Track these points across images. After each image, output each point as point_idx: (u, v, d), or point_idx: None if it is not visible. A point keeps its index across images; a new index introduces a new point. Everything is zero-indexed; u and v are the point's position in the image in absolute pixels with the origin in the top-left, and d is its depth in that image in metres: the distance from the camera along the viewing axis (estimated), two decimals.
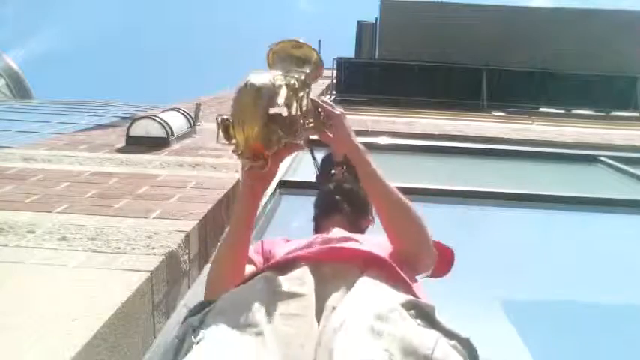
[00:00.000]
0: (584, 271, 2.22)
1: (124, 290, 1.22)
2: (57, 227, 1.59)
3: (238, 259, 1.03)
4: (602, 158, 3.78)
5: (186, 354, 0.77)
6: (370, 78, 9.39)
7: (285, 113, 0.92)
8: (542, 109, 8.75)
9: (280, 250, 1.11)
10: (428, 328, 0.78)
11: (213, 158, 2.65)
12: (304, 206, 1.68)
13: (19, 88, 15.57)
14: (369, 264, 0.93)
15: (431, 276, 1.19)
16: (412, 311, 0.80)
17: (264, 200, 2.49)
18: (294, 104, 0.94)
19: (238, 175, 2.31)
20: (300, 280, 0.88)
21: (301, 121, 0.97)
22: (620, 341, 1.72)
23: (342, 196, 1.32)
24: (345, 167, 1.38)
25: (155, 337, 1.36)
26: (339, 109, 1.08)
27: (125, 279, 1.28)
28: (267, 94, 0.86)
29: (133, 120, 3.05)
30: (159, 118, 3.00)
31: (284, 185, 2.60)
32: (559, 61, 9.19)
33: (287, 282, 0.88)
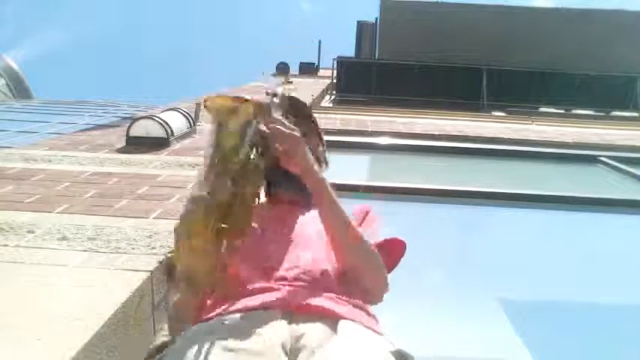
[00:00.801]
0: (584, 271, 2.22)
1: (124, 290, 1.22)
2: (57, 227, 1.59)
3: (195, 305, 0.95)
4: (602, 158, 3.78)
5: None
6: (370, 78, 9.39)
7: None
8: (542, 109, 8.73)
9: (254, 250, 1.04)
10: None
11: None
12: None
13: (19, 88, 15.56)
14: (342, 316, 0.89)
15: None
16: None
17: None
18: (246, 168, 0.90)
19: None
20: (266, 331, 0.82)
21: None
22: (620, 341, 1.72)
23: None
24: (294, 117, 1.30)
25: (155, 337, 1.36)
26: (295, 132, 0.98)
27: (125, 279, 1.28)
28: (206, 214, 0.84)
29: (133, 120, 3.05)
30: (159, 118, 3.00)
31: None
32: (559, 61, 9.19)
33: (252, 330, 0.82)
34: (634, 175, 3.36)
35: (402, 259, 1.14)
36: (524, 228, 2.74)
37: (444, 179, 3.07)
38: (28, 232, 1.55)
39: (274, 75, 9.50)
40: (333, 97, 8.64)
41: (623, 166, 3.55)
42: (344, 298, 0.93)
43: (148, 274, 1.31)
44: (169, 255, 0.85)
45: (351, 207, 1.18)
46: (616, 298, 2.04)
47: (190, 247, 0.85)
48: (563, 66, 9.10)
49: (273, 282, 0.94)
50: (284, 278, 0.95)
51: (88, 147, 2.85)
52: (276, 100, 1.01)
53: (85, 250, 1.43)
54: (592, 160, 3.82)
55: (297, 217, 1.14)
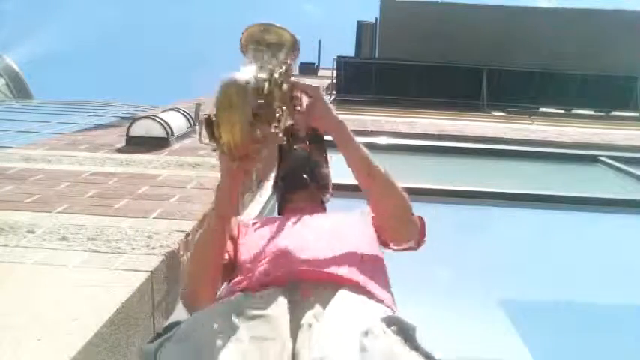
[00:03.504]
0: (584, 271, 2.22)
1: (124, 290, 1.22)
2: (57, 227, 1.59)
3: (218, 250, 1.01)
4: (602, 158, 3.78)
5: None
6: (370, 78, 9.39)
7: (267, 107, 0.90)
8: (542, 109, 8.74)
9: (252, 241, 1.09)
10: (409, 347, 0.78)
11: (213, 158, 2.65)
12: None
13: (19, 88, 15.57)
14: (345, 280, 0.93)
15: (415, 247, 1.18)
16: (393, 327, 0.80)
17: (265, 197, 2.48)
18: (276, 96, 0.92)
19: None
20: (268, 303, 0.85)
21: (281, 112, 0.95)
22: (620, 341, 1.72)
23: (308, 174, 1.33)
24: (309, 143, 1.39)
25: None
26: (312, 83, 1.05)
27: (125, 279, 1.28)
28: (252, 91, 0.84)
29: (133, 120, 3.05)
30: (159, 118, 3.00)
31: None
32: (559, 61, 9.18)
33: (255, 304, 0.85)
34: (634, 175, 3.36)
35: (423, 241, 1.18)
36: (525, 228, 2.74)
37: (443, 179, 3.07)
38: (28, 232, 1.55)
39: None
40: (333, 97, 8.63)
41: (623, 166, 3.55)
42: (351, 267, 0.96)
43: (148, 274, 1.31)
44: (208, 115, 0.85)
45: (359, 205, 1.22)
46: (616, 298, 2.04)
47: (229, 116, 0.83)
48: (563, 66, 9.10)
49: (276, 260, 0.98)
50: (290, 253, 0.99)
51: (88, 147, 2.85)
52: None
53: (85, 250, 1.43)
54: (592, 160, 3.83)
55: (310, 215, 1.19)
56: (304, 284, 0.90)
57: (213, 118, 0.84)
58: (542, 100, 9.04)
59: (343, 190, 1.59)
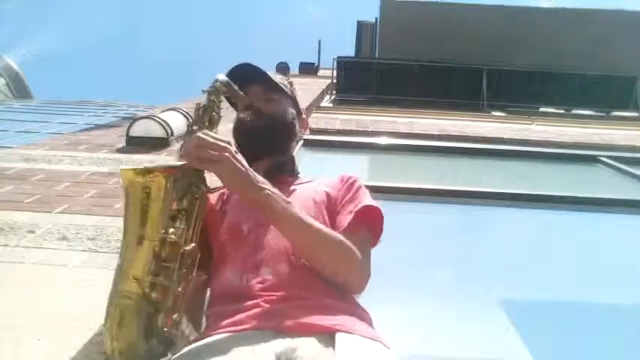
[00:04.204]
0: (584, 271, 2.22)
1: None
2: (57, 227, 1.58)
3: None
4: (602, 158, 3.78)
5: None
6: (370, 78, 9.39)
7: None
8: (542, 109, 8.73)
9: (221, 221, 1.01)
10: None
11: None
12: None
13: (19, 88, 15.58)
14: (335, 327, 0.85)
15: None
16: None
17: None
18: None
19: None
20: (259, 353, 0.79)
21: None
22: (620, 341, 1.72)
23: (262, 139, 1.12)
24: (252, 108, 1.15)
25: None
26: (222, 142, 0.85)
27: None
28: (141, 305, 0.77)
29: (133, 120, 3.05)
30: (159, 118, 3.00)
31: None
32: (559, 61, 9.19)
33: (240, 349, 0.79)
34: (634, 175, 3.36)
35: (383, 227, 1.04)
36: (525, 228, 2.74)
37: (444, 179, 3.07)
38: (28, 232, 1.54)
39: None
40: (333, 97, 8.63)
41: (623, 166, 3.55)
42: (338, 304, 0.90)
43: None
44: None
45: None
46: (616, 298, 2.04)
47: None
48: (563, 66, 9.11)
49: (259, 292, 0.90)
50: (271, 287, 0.90)
51: (88, 147, 2.85)
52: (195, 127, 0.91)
53: (85, 250, 1.43)
54: (592, 160, 3.83)
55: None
56: (292, 334, 0.82)
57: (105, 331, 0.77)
58: (542, 100, 9.04)
59: None
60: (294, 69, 10.22)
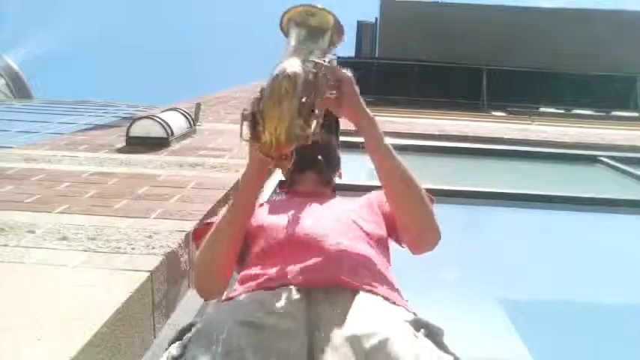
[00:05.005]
0: (584, 271, 2.22)
1: (124, 290, 1.22)
2: (57, 227, 1.58)
3: (237, 239, 1.01)
4: (602, 158, 3.78)
5: None
6: (370, 78, 9.39)
7: (310, 103, 0.85)
8: (542, 109, 8.74)
9: (263, 229, 1.05)
10: (440, 350, 0.78)
11: (213, 158, 2.66)
12: None
13: (19, 88, 15.60)
14: (364, 285, 0.90)
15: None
16: (422, 330, 0.80)
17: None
18: (320, 90, 0.88)
19: (239, 174, 2.30)
20: (287, 306, 0.84)
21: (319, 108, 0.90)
22: (620, 341, 1.72)
23: (320, 154, 1.27)
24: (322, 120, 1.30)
25: (155, 337, 1.36)
26: (348, 72, 0.99)
27: (125, 279, 1.28)
28: (302, 86, 0.80)
29: (133, 120, 3.05)
30: (159, 118, 3.00)
31: None
32: (559, 61, 9.19)
33: (274, 307, 0.84)
34: (634, 175, 3.36)
35: None
36: (524, 228, 2.74)
37: (443, 179, 3.07)
38: (28, 232, 1.54)
39: None
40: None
41: (623, 166, 3.55)
42: (366, 271, 0.94)
43: (148, 274, 1.31)
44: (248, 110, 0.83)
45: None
46: (616, 298, 2.04)
47: (277, 113, 0.80)
48: (563, 66, 9.11)
49: (294, 256, 0.94)
50: (307, 250, 0.95)
51: (88, 147, 2.85)
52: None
53: (85, 250, 1.43)
54: (592, 160, 3.83)
55: (320, 200, 1.16)
56: (322, 290, 0.89)
57: (258, 115, 0.81)
58: (542, 100, 9.05)
59: (342, 189, 1.59)
60: None
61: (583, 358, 1.69)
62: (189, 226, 1.66)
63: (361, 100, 1.01)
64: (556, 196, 2.85)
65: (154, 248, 1.46)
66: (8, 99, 13.19)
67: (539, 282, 2.10)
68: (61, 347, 0.99)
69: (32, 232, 1.55)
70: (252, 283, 0.92)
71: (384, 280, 0.95)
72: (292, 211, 1.08)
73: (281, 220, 1.06)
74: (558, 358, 1.68)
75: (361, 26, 11.16)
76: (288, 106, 0.79)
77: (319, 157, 1.27)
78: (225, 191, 2.07)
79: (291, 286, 0.88)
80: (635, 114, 8.55)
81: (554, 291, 2.06)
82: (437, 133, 4.30)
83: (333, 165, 1.34)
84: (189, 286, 1.62)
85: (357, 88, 1.00)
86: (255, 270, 0.96)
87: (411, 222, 1.05)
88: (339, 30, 0.95)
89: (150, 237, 1.54)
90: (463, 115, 5.76)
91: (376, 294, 0.88)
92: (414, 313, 0.88)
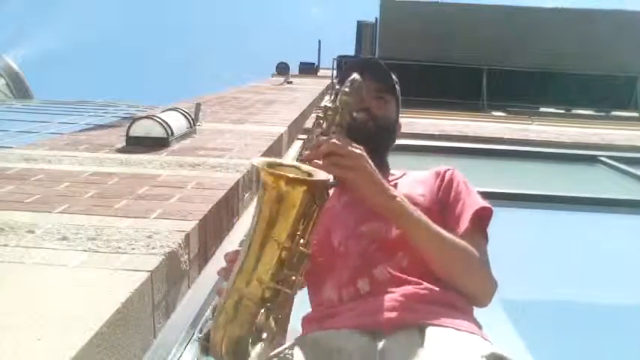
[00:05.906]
0: (584, 271, 2.22)
1: (124, 290, 1.22)
2: (57, 227, 1.58)
3: None
4: (602, 158, 3.78)
5: None
6: None
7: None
8: (542, 109, 8.75)
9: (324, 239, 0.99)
10: None
11: (213, 158, 2.65)
12: None
13: (19, 88, 15.60)
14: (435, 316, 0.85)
15: None
16: None
17: None
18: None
19: (239, 174, 2.31)
20: (356, 345, 0.81)
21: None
22: (620, 341, 1.72)
23: (377, 133, 1.16)
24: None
25: (155, 337, 1.36)
26: (357, 149, 0.85)
27: (125, 279, 1.28)
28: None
29: (133, 120, 3.05)
30: (159, 118, 3.00)
31: None
32: (559, 61, 9.20)
33: (337, 349, 0.82)
34: (634, 175, 3.36)
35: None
36: (524, 228, 2.74)
37: None
38: (28, 232, 1.54)
39: (273, 75, 9.50)
40: (332, 96, 8.63)
41: (623, 166, 3.55)
42: (433, 297, 0.89)
43: (148, 274, 1.31)
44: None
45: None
46: (616, 298, 2.04)
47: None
48: (563, 66, 9.12)
49: (358, 293, 0.91)
50: (372, 285, 0.91)
51: (88, 147, 2.85)
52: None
53: (85, 250, 1.43)
54: (592, 160, 3.83)
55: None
56: (385, 331, 0.84)
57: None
58: (542, 100, 9.06)
59: None
60: (294, 69, 10.23)
61: (583, 358, 1.69)
62: (190, 226, 1.66)
63: (380, 186, 0.88)
64: (556, 196, 2.85)
65: (154, 248, 1.46)
66: (8, 99, 13.20)
67: (539, 282, 2.10)
68: (61, 347, 0.99)
69: (32, 232, 1.54)
70: (317, 324, 0.91)
71: (451, 304, 0.90)
72: (341, 209, 1.02)
73: (330, 223, 1.00)
74: (558, 358, 1.68)
75: (361, 26, 11.18)
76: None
77: (365, 145, 1.02)
78: (225, 191, 2.07)
79: (356, 329, 0.85)
80: (635, 114, 8.55)
81: (554, 291, 2.06)
82: (437, 133, 4.31)
83: (387, 145, 1.28)
84: (189, 287, 1.62)
85: (370, 169, 0.85)
86: (316, 315, 0.96)
87: (462, 290, 0.97)
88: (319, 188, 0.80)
89: (150, 237, 1.54)
90: (463, 115, 5.76)
91: (445, 326, 0.83)
92: (489, 341, 0.85)
